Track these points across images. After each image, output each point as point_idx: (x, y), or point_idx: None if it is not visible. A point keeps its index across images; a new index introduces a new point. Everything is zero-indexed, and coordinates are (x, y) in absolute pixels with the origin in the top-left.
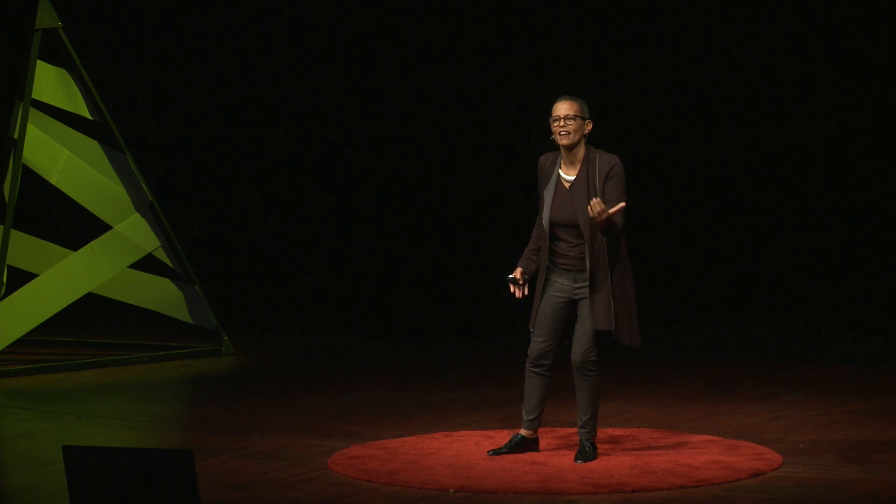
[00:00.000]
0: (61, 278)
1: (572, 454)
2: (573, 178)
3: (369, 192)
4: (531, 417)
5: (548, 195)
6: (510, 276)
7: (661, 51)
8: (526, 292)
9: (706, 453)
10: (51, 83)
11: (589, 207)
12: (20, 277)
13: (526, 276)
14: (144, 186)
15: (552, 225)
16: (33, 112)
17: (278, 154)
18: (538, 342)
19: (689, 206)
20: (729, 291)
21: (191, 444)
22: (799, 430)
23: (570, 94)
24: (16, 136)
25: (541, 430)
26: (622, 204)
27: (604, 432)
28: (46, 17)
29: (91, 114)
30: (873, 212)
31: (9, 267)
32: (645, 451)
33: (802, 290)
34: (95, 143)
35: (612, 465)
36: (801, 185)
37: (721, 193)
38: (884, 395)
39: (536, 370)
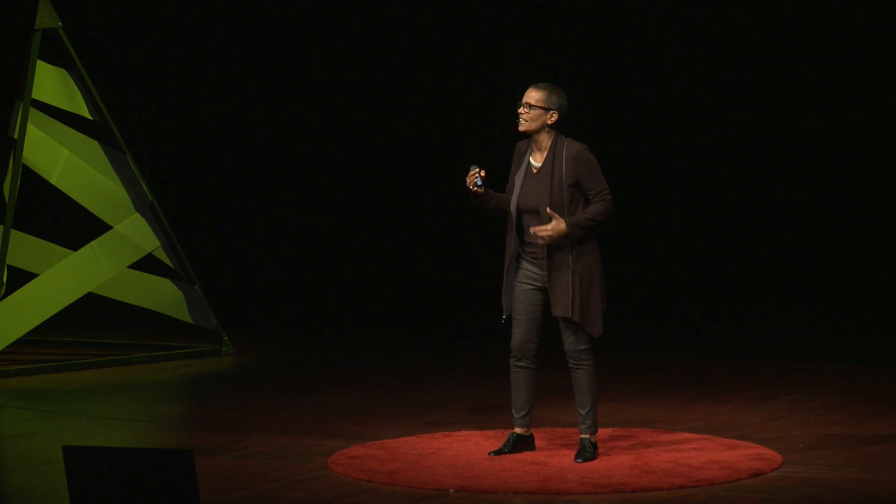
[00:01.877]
0: (61, 278)
1: (572, 454)
2: (540, 164)
3: (369, 192)
4: (521, 414)
5: (518, 181)
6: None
7: (658, 48)
8: (478, 183)
9: (706, 453)
10: (51, 83)
11: (539, 238)
12: (20, 277)
13: (485, 178)
14: (144, 186)
15: (519, 211)
16: (33, 112)
17: (278, 153)
18: (517, 334)
19: (691, 205)
20: (729, 291)
21: (191, 444)
22: (799, 430)
23: (547, 82)
24: (16, 136)
25: (540, 429)
26: (554, 218)
27: (604, 432)
28: (46, 17)
29: (91, 114)
30: (874, 211)
31: (9, 267)
32: (645, 450)
33: (802, 289)
34: (95, 143)
35: (612, 465)
36: (802, 184)
37: (722, 192)
38: (884, 394)
39: (521, 364)
